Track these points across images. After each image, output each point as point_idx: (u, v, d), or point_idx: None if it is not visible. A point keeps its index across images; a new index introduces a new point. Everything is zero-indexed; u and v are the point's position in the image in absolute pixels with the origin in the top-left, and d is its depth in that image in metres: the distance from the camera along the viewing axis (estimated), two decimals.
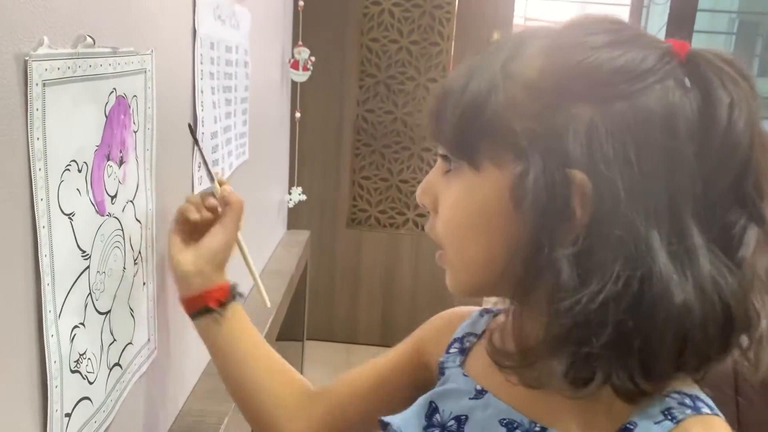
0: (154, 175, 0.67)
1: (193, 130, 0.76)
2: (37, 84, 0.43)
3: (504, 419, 0.49)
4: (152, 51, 0.63)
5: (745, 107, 0.43)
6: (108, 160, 0.55)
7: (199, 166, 0.82)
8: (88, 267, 0.53)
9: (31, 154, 0.43)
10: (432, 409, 0.53)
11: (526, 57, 0.46)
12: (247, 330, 0.69)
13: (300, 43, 1.45)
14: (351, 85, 2.70)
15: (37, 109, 0.43)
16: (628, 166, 0.41)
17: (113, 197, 0.57)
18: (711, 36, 3.10)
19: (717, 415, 0.45)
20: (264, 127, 1.30)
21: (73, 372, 0.51)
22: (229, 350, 0.67)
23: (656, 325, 0.41)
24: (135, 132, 0.61)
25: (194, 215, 0.66)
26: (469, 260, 0.49)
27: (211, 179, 0.70)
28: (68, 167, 0.48)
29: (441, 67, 2.68)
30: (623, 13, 3.28)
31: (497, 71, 0.46)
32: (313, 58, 1.44)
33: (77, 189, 0.50)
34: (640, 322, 0.41)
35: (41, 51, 0.43)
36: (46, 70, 0.44)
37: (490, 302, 0.58)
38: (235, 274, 0.72)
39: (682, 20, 3.01)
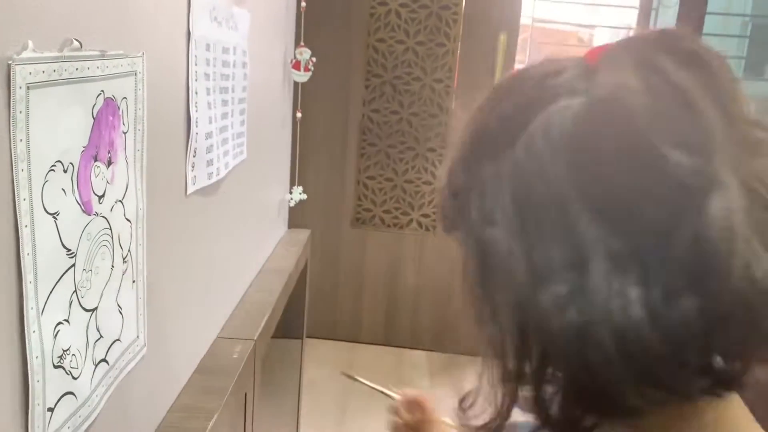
0: (145, 176, 0.68)
1: (353, 377, 0.78)
2: (20, 87, 0.44)
3: None
4: (143, 54, 0.64)
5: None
6: (95, 160, 0.56)
7: (193, 167, 0.83)
8: (73, 265, 0.54)
9: (13, 156, 0.44)
10: None
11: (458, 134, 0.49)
12: None
13: (302, 43, 1.46)
14: (357, 85, 2.71)
15: (21, 112, 0.44)
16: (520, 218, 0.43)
17: (101, 197, 0.58)
18: (723, 39, 3.08)
19: None
20: (264, 127, 1.31)
21: (56, 367, 0.52)
22: None
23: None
24: (124, 133, 0.62)
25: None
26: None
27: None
28: (53, 168, 0.49)
29: (447, 68, 2.68)
30: (632, 16, 3.27)
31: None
32: (314, 59, 1.45)
33: (62, 189, 0.51)
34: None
35: (25, 55, 0.44)
36: (30, 73, 0.45)
37: None
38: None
39: (690, 23, 3.00)
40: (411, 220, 2.83)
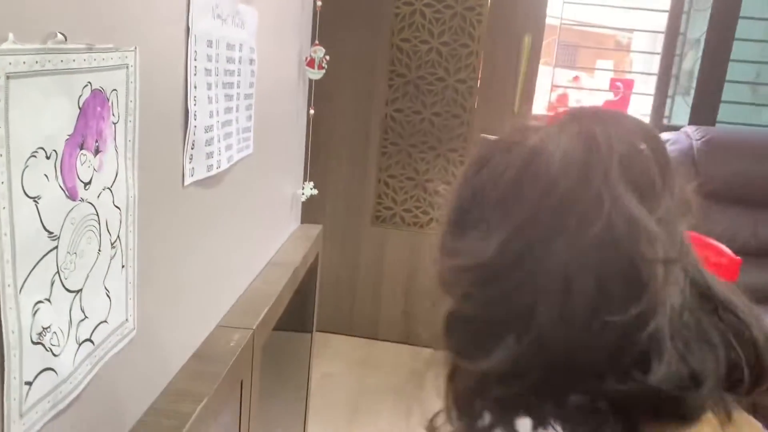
0: (137, 165, 0.71)
1: None
2: None
3: None
4: (135, 48, 0.67)
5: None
6: (81, 148, 0.59)
7: (191, 159, 0.86)
8: (56, 247, 0.57)
9: None
10: None
11: None
12: None
13: (316, 42, 1.48)
14: (380, 84, 2.73)
15: (0, 100, 0.47)
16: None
17: (87, 184, 0.61)
18: (755, 44, 3.03)
19: None
20: (276, 123, 1.34)
21: (35, 344, 0.55)
22: None
23: None
24: (114, 123, 0.65)
25: None
26: None
27: None
28: (34, 154, 0.52)
29: (471, 69, 2.69)
30: (662, 20, 3.22)
31: None
32: (327, 57, 1.48)
33: (45, 175, 0.54)
34: None
35: (4, 46, 0.47)
36: (10, 63, 0.48)
37: None
38: None
39: (722, 27, 2.95)
40: (431, 220, 2.84)
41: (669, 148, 3.01)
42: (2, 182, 0.48)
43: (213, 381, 0.89)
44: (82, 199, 0.60)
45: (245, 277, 1.22)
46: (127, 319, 0.73)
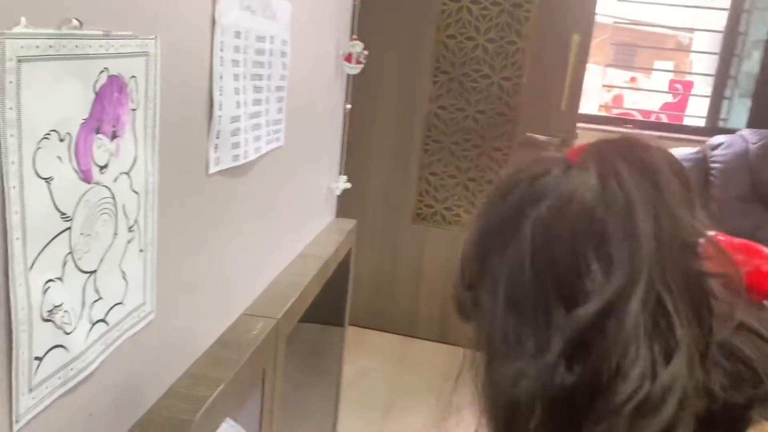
0: (157, 152, 0.72)
1: None
2: (10, 59, 0.48)
3: None
4: (156, 36, 0.68)
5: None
6: (97, 133, 0.61)
7: (216, 148, 0.87)
8: (69, 228, 0.58)
9: (1, 122, 0.48)
10: None
11: None
12: None
13: (355, 36, 1.48)
14: (424, 81, 2.72)
15: (11, 82, 0.49)
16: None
17: (102, 167, 0.62)
18: None
19: None
20: (311, 117, 1.35)
21: (45, 321, 0.56)
22: None
23: None
24: (133, 110, 0.67)
25: None
26: None
27: None
28: (47, 136, 0.53)
29: (517, 66, 2.65)
30: (721, 19, 3.11)
31: None
32: (366, 52, 1.48)
33: (58, 156, 0.55)
34: None
35: (17, 30, 0.48)
36: (21, 47, 0.49)
37: None
38: None
39: None
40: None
41: (724, 151, 2.91)
42: (13, 162, 0.50)
43: (232, 367, 0.90)
44: (97, 183, 0.62)
45: (274, 268, 1.23)
46: (144, 302, 0.74)
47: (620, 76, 3.85)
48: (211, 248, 0.92)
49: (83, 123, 0.58)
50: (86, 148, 0.59)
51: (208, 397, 0.82)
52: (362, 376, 2.56)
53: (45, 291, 0.56)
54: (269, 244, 1.18)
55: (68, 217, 0.58)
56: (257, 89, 1.01)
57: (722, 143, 2.86)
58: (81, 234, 0.60)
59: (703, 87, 3.34)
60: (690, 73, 3.64)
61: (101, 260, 0.64)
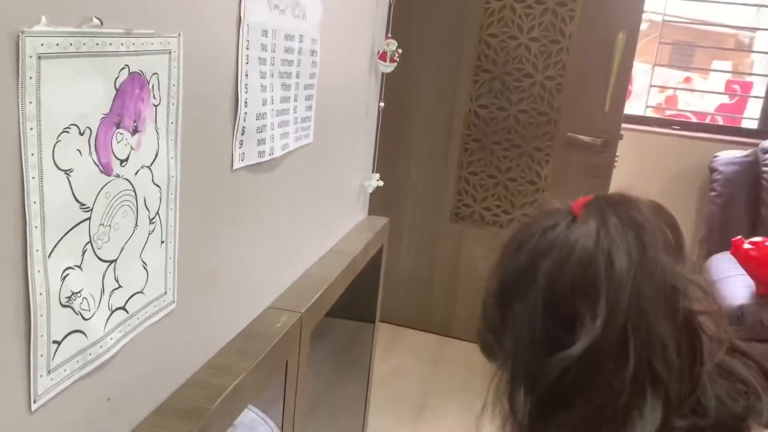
0: (180, 146, 0.74)
1: None
2: (30, 56, 0.51)
3: None
4: (179, 34, 0.71)
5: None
6: (118, 127, 0.63)
7: (241, 144, 0.89)
8: (88, 218, 0.61)
9: (21, 116, 0.51)
10: None
11: None
12: None
13: (389, 35, 1.49)
14: (465, 80, 2.71)
15: (31, 78, 0.51)
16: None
17: (123, 161, 0.65)
18: None
19: None
20: (342, 114, 1.37)
21: (64, 306, 0.59)
22: None
23: None
24: (155, 106, 0.69)
25: None
26: None
27: None
28: (67, 130, 0.56)
29: (560, 66, 2.62)
30: None
31: None
32: (400, 50, 1.48)
33: (78, 150, 0.58)
34: None
35: (37, 28, 0.51)
36: (42, 44, 0.52)
37: None
38: None
39: None
40: (512, 219, 2.80)
41: None
42: (32, 154, 0.52)
43: (254, 359, 0.92)
44: (117, 175, 0.64)
45: (302, 263, 1.25)
46: (166, 292, 0.77)
47: (676, 77, 3.75)
48: (236, 242, 0.94)
49: (103, 118, 0.61)
50: (106, 142, 0.61)
51: (228, 386, 0.84)
52: (396, 374, 2.57)
53: (63, 278, 0.58)
54: (297, 239, 1.19)
55: (88, 207, 0.60)
56: (285, 87, 1.02)
57: None
58: (101, 224, 0.63)
59: (762, 88, 3.23)
60: (749, 74, 3.52)
61: (121, 250, 0.67)
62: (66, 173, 0.57)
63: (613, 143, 2.61)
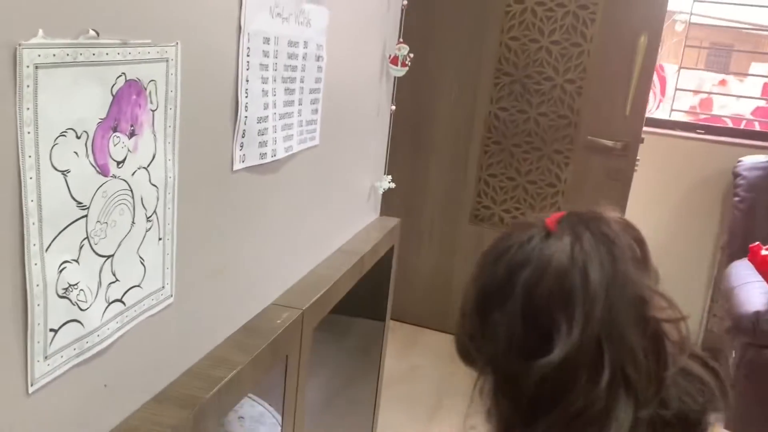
0: (178, 148, 0.79)
1: None
2: (27, 66, 0.55)
3: None
4: (177, 43, 0.75)
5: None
6: (115, 131, 0.67)
7: (241, 146, 0.93)
8: (85, 216, 0.65)
9: (19, 120, 0.55)
10: None
11: None
12: None
13: (401, 40, 1.53)
14: (486, 82, 2.73)
15: (28, 86, 0.56)
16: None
17: (120, 162, 0.69)
18: None
19: None
20: (351, 117, 1.40)
21: (61, 297, 0.63)
22: None
23: None
24: (153, 111, 0.73)
25: None
26: None
27: None
28: (64, 134, 0.60)
29: (581, 69, 2.62)
30: None
31: None
32: (411, 55, 1.52)
33: (75, 152, 0.62)
34: None
35: (34, 41, 0.55)
36: (39, 55, 0.56)
37: None
38: None
39: None
40: None
41: None
42: (30, 156, 0.57)
43: (251, 352, 0.96)
44: (114, 176, 0.68)
45: (309, 262, 1.29)
46: (163, 287, 0.81)
47: (712, 79, 3.70)
48: (237, 240, 0.98)
49: (100, 122, 0.65)
50: (103, 145, 0.66)
51: (223, 378, 0.88)
52: (413, 373, 2.60)
53: (60, 270, 0.63)
54: (303, 238, 1.23)
55: (85, 206, 0.65)
56: (289, 91, 1.06)
57: None
58: (98, 222, 0.67)
59: None
60: None
61: (118, 246, 0.71)
62: (63, 174, 0.61)
63: (634, 147, 2.60)
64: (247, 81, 0.92)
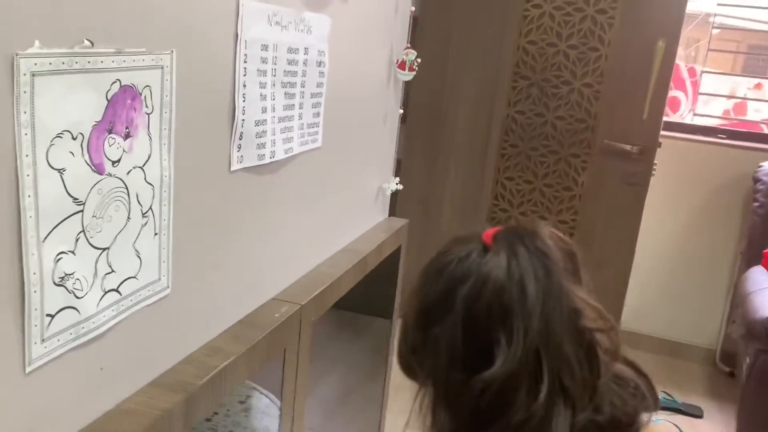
0: (173, 149, 0.84)
1: None
2: (24, 74, 0.61)
3: None
4: (172, 51, 0.80)
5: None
6: (110, 133, 0.73)
7: (239, 148, 0.99)
8: (81, 211, 0.71)
9: (16, 123, 0.61)
10: None
11: None
12: None
13: (408, 45, 1.57)
14: (504, 86, 2.75)
15: (25, 92, 0.61)
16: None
17: (115, 162, 0.74)
18: None
19: None
20: (357, 121, 1.45)
21: (57, 285, 0.69)
22: None
23: None
24: (148, 114, 0.79)
25: None
26: None
27: None
28: (60, 135, 0.66)
29: (598, 73, 2.63)
30: None
31: None
32: (419, 60, 1.56)
33: (70, 152, 0.68)
34: None
35: (30, 51, 0.61)
36: (35, 64, 0.62)
37: None
38: None
39: None
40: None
41: None
42: (27, 155, 0.63)
43: (247, 343, 1.01)
44: (109, 174, 0.74)
45: (311, 259, 1.33)
46: (160, 279, 0.86)
47: (746, 84, 3.66)
48: (235, 237, 1.03)
49: (95, 124, 0.70)
50: (98, 145, 0.71)
51: (217, 366, 0.93)
52: None
53: (57, 261, 0.68)
54: (305, 237, 1.28)
55: (80, 201, 0.70)
56: (289, 96, 1.11)
57: None
58: (93, 216, 0.73)
59: None
60: None
61: (114, 239, 0.77)
62: (59, 172, 0.67)
63: (651, 151, 2.60)
64: (245, 86, 0.97)
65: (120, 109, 0.74)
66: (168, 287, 0.88)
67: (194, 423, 0.87)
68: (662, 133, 2.63)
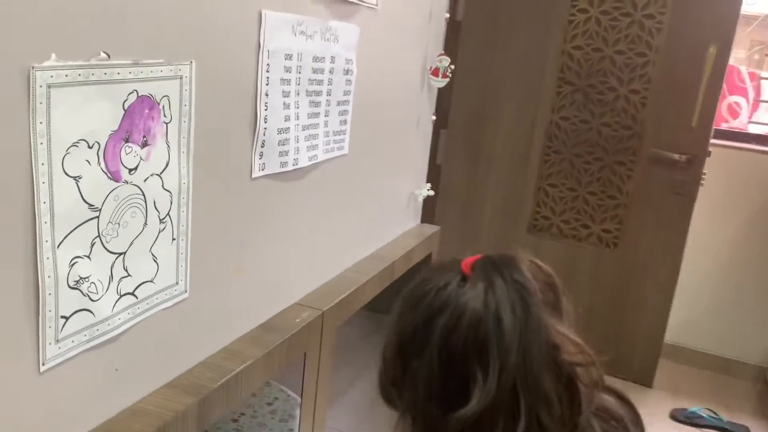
0: (192, 157, 0.86)
1: None
2: (41, 86, 0.63)
3: None
4: (192, 62, 0.82)
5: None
6: (127, 141, 0.75)
7: (261, 155, 1.00)
8: (97, 217, 0.73)
9: (32, 132, 0.64)
10: None
11: None
12: None
13: (443, 52, 1.57)
14: (548, 91, 2.71)
15: (41, 103, 0.64)
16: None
17: (132, 170, 0.77)
18: None
19: None
20: (388, 127, 1.45)
21: (72, 288, 0.72)
22: None
23: None
24: (167, 123, 0.81)
25: None
26: None
27: None
28: (75, 144, 0.68)
29: (645, 79, 2.56)
30: None
31: None
32: (452, 66, 1.55)
33: (86, 160, 0.70)
34: None
35: (46, 63, 0.64)
36: (51, 76, 0.64)
37: None
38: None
39: None
40: (591, 234, 2.76)
41: None
42: (42, 164, 0.65)
43: (265, 347, 1.03)
44: (126, 182, 0.76)
45: (337, 265, 1.34)
46: (177, 283, 0.89)
47: None
48: (257, 242, 1.05)
49: (112, 134, 0.73)
50: (114, 154, 0.74)
51: (233, 370, 0.95)
52: None
53: (72, 265, 0.71)
54: (331, 243, 1.29)
55: (96, 208, 0.73)
56: (314, 104, 1.12)
57: None
58: (109, 222, 0.75)
59: None
60: None
61: (130, 245, 0.79)
62: (75, 179, 0.69)
63: (700, 160, 2.52)
64: (267, 95, 0.99)
65: (137, 119, 0.76)
66: (186, 291, 0.91)
67: (207, 425, 0.89)
68: (712, 141, 2.54)
